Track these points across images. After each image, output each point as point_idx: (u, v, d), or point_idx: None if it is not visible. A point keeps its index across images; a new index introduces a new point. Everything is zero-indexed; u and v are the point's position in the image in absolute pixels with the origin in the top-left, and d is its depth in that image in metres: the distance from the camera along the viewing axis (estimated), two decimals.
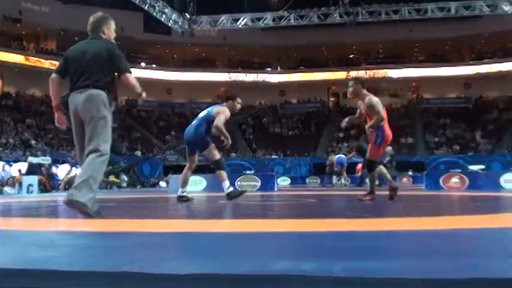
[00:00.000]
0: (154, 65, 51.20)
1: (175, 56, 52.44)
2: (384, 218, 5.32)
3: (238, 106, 9.17)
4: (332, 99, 55.34)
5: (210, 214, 6.50)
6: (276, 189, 17.74)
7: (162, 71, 50.96)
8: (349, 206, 8.02)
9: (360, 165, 28.99)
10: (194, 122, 9.07)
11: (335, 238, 3.37)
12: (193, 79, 51.26)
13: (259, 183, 17.67)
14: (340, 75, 51.07)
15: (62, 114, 5.31)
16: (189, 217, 5.90)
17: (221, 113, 8.72)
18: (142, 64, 50.63)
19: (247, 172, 20.58)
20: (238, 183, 17.39)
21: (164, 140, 45.20)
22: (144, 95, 5.56)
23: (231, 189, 8.66)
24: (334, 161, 24.04)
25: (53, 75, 5.30)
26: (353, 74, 50.68)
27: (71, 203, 4.74)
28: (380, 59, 52.85)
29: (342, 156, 24.64)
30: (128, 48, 49.89)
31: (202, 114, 9.09)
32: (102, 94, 5.14)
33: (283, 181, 34.44)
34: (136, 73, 44.20)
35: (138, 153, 40.63)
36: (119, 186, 28.38)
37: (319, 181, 27.30)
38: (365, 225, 4.32)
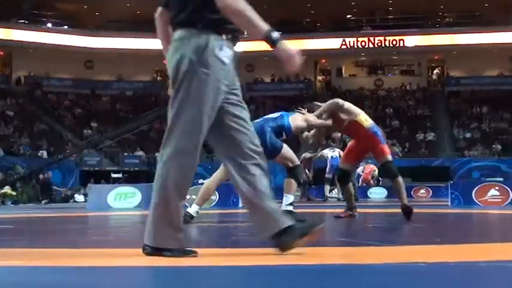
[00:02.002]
0: (66, 27, 50.75)
1: (96, 14, 52.05)
2: (388, 245, 5.41)
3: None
4: (321, 77, 55.53)
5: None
6: (240, 205, 17.75)
7: (78, 36, 50.45)
8: (340, 227, 8.14)
9: (368, 171, 29.24)
10: (256, 121, 9.16)
11: (319, 274, 3.45)
12: (123, 47, 50.94)
13: (216, 197, 17.68)
14: (333, 43, 51.23)
15: None
16: (117, 245, 5.93)
17: (307, 121, 9.13)
18: (49, 25, 50.15)
19: (201, 181, 20.55)
20: (188, 196, 17.36)
21: (81, 134, 44.88)
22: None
23: (291, 208, 8.75)
24: (328, 161, 23.05)
25: (158, 9, 4.84)
26: (349, 41, 50.95)
27: None
28: (390, 20, 53.15)
29: (338, 155, 22.44)
30: (29, 2, 49.53)
31: (270, 115, 9.37)
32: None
33: None
34: (40, 38, 43.72)
35: (44, 153, 40.27)
36: (16, 201, 28.13)
37: (300, 193, 27.38)
38: (364, 255, 4.41)
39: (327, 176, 23.22)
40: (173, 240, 4.31)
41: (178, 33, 4.32)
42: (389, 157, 9.32)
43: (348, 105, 9.32)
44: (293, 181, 8.86)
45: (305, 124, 9.07)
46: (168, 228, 4.32)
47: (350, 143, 9.70)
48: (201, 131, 4.25)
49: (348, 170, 9.61)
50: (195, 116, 4.22)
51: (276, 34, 4.14)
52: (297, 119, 9.03)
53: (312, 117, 9.09)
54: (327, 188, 24.05)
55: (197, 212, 8.85)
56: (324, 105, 9.30)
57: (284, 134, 8.90)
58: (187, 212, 8.72)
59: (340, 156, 21.37)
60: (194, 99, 4.19)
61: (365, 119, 9.27)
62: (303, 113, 9.19)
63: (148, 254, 4.32)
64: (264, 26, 4.05)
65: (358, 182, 28.78)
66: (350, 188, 9.66)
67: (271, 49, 4.18)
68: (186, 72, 4.21)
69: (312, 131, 9.65)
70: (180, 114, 4.26)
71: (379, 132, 9.42)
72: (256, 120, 9.34)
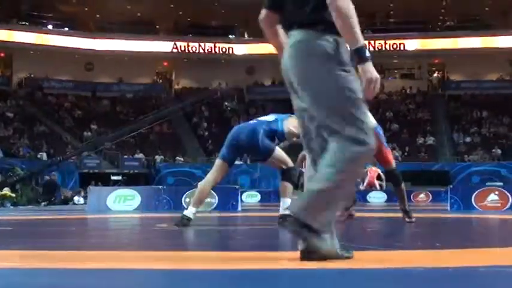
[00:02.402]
0: (67, 29, 50.79)
1: (97, 16, 52.10)
2: (386, 249, 5.41)
3: None
4: None
5: (148, 243, 6.54)
6: (239, 208, 17.77)
7: (78, 38, 50.54)
8: (338, 231, 8.13)
9: (372, 174, 29.28)
10: (250, 122, 9.20)
11: (317, 278, 3.44)
12: (123, 49, 50.97)
13: (215, 201, 17.67)
14: None
15: None
16: (116, 247, 5.93)
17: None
18: (50, 27, 50.20)
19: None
20: (187, 199, 17.37)
21: (81, 136, 44.90)
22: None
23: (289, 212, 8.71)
24: None
25: (262, 11, 4.73)
26: None
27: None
28: (390, 24, 53.20)
29: None
30: (28, 3, 49.54)
31: (265, 118, 9.34)
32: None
33: (251, 197, 34.48)
34: (41, 39, 43.68)
35: (43, 155, 40.27)
36: (15, 203, 28.10)
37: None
38: (360, 260, 4.41)
39: None
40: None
41: (298, 35, 4.20)
42: (394, 165, 9.37)
43: None
44: (288, 184, 8.82)
45: (297, 132, 8.99)
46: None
47: None
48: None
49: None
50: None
51: (368, 52, 4.00)
52: (290, 123, 8.96)
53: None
54: None
55: (194, 214, 8.80)
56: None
57: (276, 138, 8.87)
58: (185, 215, 8.69)
59: None
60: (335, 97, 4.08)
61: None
62: None
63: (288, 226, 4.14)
64: (361, 38, 3.99)
65: (361, 185, 28.85)
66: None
67: (358, 64, 4.05)
68: (317, 74, 4.12)
69: None
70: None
71: (381, 131, 9.44)
72: (249, 122, 9.35)
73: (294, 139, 9.16)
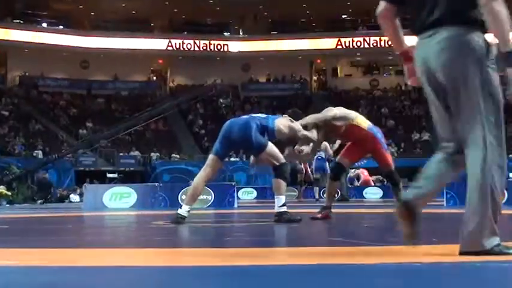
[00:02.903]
0: (61, 27, 50.74)
1: (92, 13, 52.05)
2: (383, 245, 5.42)
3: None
4: (316, 77, 55.60)
5: (144, 241, 6.54)
6: (235, 205, 17.78)
7: (73, 36, 50.48)
8: (333, 227, 8.15)
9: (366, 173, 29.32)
10: (242, 117, 9.22)
11: (312, 274, 3.44)
12: (118, 47, 50.91)
13: (211, 197, 17.68)
14: (329, 43, 51.34)
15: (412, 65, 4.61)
16: (112, 245, 5.94)
17: (291, 129, 9.00)
18: (44, 25, 50.12)
19: None
20: (183, 196, 17.36)
21: (77, 134, 44.86)
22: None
23: (285, 209, 8.64)
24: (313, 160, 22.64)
25: (381, 3, 4.61)
26: (345, 42, 50.98)
27: None
28: None
29: (322, 155, 21.78)
30: (22, 2, 49.46)
31: (257, 115, 9.38)
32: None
33: (247, 194, 34.49)
34: (36, 37, 43.63)
35: (39, 153, 40.24)
36: (11, 201, 28.11)
37: (297, 194, 27.39)
38: (357, 255, 4.41)
39: (314, 177, 23.19)
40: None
41: (447, 32, 4.06)
42: (392, 167, 9.39)
43: (340, 112, 9.22)
44: (281, 181, 8.77)
45: (288, 131, 8.92)
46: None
47: (349, 144, 9.67)
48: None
49: (344, 165, 9.60)
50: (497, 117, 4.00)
51: None
52: (281, 123, 8.94)
53: (297, 127, 8.93)
54: (316, 189, 24.02)
55: (188, 211, 8.79)
56: (313, 118, 9.18)
57: (267, 135, 8.84)
58: (179, 214, 8.69)
59: (324, 157, 21.37)
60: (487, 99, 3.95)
61: (363, 121, 9.26)
62: (291, 120, 9.09)
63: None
64: None
65: (353, 183, 28.92)
66: (335, 186, 9.70)
67: (509, 67, 3.96)
68: (472, 71, 3.98)
69: (301, 147, 9.54)
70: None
71: (379, 134, 9.42)
72: (242, 117, 9.33)
73: (298, 148, 9.17)
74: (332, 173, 9.61)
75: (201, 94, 50.12)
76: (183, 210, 8.71)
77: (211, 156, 9.08)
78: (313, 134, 9.03)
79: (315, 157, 21.89)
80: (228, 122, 9.08)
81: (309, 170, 23.88)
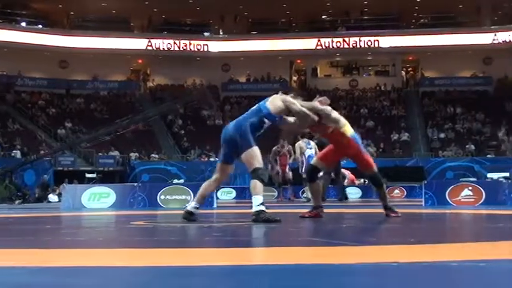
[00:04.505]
0: (41, 26, 50.49)
1: (71, 13, 51.86)
2: (362, 245, 5.43)
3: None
4: (296, 77, 55.65)
5: (119, 241, 6.53)
6: (214, 205, 17.76)
7: (52, 35, 50.25)
8: (313, 227, 8.17)
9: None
10: (238, 118, 9.22)
11: (292, 274, 3.45)
12: (98, 47, 50.73)
13: (190, 197, 17.65)
14: (308, 44, 51.36)
15: None
16: (90, 245, 5.92)
17: (285, 100, 8.95)
18: (23, 24, 49.87)
19: (175, 181, 20.54)
20: (161, 197, 17.34)
21: (55, 134, 44.65)
22: None
23: (263, 208, 8.61)
24: (304, 160, 22.38)
25: None
26: (325, 42, 51.07)
27: None
28: (365, 21, 53.34)
29: (312, 153, 21.20)
30: (0, 1, 49.12)
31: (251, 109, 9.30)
32: None
33: (226, 194, 34.48)
34: (14, 37, 43.26)
35: (17, 153, 40.04)
36: None
37: (276, 194, 27.41)
38: (335, 255, 4.43)
39: (304, 176, 22.96)
40: None
41: None
42: (375, 169, 9.43)
43: (335, 114, 9.27)
44: (258, 182, 8.78)
45: (282, 104, 8.89)
46: None
47: (329, 146, 9.71)
48: None
49: (319, 168, 9.66)
50: None
51: None
52: (275, 99, 8.95)
53: (293, 101, 8.91)
54: (291, 189, 24.12)
55: (196, 208, 8.97)
56: (312, 104, 9.20)
57: (266, 121, 8.83)
58: (187, 210, 8.94)
59: (313, 151, 21.33)
60: None
61: (348, 129, 9.31)
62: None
63: None
64: None
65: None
66: (318, 186, 9.74)
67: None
68: None
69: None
70: None
71: (359, 140, 9.51)
72: (237, 118, 9.33)
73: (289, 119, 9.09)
74: (307, 176, 9.69)
75: (185, 101, 49.66)
76: (190, 206, 8.97)
77: (218, 164, 9.28)
78: (312, 115, 8.99)
79: (308, 155, 21.79)
80: (224, 127, 9.16)
81: (287, 170, 23.82)
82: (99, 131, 41.19)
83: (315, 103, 9.23)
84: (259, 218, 8.41)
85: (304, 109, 8.89)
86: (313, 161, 9.75)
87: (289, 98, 8.97)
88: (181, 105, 48.14)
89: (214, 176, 9.21)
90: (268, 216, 8.48)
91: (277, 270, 3.64)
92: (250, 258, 4.43)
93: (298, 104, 8.90)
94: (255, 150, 8.76)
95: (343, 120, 9.29)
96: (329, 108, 9.31)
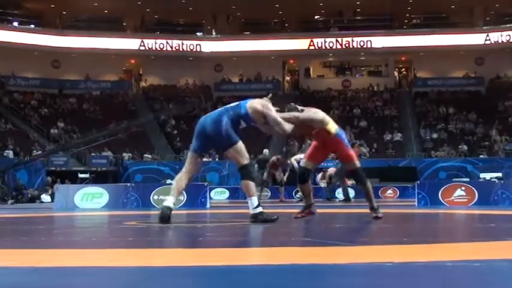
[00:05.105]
0: (33, 26, 50.37)
1: (64, 12, 51.76)
2: (356, 245, 5.43)
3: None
4: (289, 77, 55.65)
5: (112, 241, 6.52)
6: (208, 205, 17.76)
7: (45, 35, 50.11)
8: (306, 228, 8.17)
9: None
10: (216, 111, 9.12)
11: (285, 274, 3.45)
12: (90, 46, 50.64)
13: (184, 198, 17.64)
14: (301, 44, 51.36)
15: None
16: (82, 245, 5.91)
17: (265, 107, 8.86)
18: (15, 24, 49.76)
19: (168, 181, 20.51)
20: (155, 197, 17.33)
21: (48, 134, 44.57)
22: None
23: (260, 209, 8.58)
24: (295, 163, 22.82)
25: None
26: (317, 42, 51.09)
27: None
28: (357, 21, 53.37)
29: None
30: None
31: (230, 104, 9.23)
32: None
33: (219, 194, 34.51)
34: (6, 36, 43.19)
35: (10, 153, 39.95)
36: None
37: (269, 193, 27.45)
38: (330, 255, 4.42)
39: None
40: None
41: None
42: (357, 163, 9.36)
43: (317, 116, 9.23)
44: (248, 181, 8.71)
45: (262, 109, 8.84)
46: None
47: (314, 143, 9.69)
48: None
49: (309, 168, 9.65)
50: None
51: None
52: (254, 103, 8.90)
53: (271, 109, 8.82)
54: (282, 189, 24.22)
55: (174, 204, 8.76)
56: (295, 115, 9.15)
57: (242, 122, 8.79)
58: (164, 205, 8.61)
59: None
60: None
61: (332, 127, 9.29)
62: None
63: None
64: None
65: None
66: (309, 186, 9.73)
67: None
68: None
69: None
70: None
71: (343, 135, 9.47)
72: (215, 110, 9.29)
73: (262, 121, 9.00)
74: (298, 178, 9.68)
75: (184, 108, 49.49)
76: (169, 202, 8.70)
77: (189, 153, 9.12)
78: (286, 126, 8.94)
79: (300, 158, 22.06)
80: (202, 118, 9.05)
81: (277, 173, 23.89)
82: (93, 132, 41.16)
83: (297, 113, 9.21)
84: (257, 220, 8.40)
85: (278, 119, 8.84)
86: (302, 163, 9.72)
87: (269, 104, 8.91)
88: (182, 112, 48.04)
89: (186, 168, 9.02)
90: (265, 217, 8.48)
91: (272, 270, 3.63)
92: (244, 258, 4.42)
93: (274, 111, 8.87)
94: (240, 145, 8.73)
95: (327, 118, 9.28)
96: (312, 111, 9.29)
